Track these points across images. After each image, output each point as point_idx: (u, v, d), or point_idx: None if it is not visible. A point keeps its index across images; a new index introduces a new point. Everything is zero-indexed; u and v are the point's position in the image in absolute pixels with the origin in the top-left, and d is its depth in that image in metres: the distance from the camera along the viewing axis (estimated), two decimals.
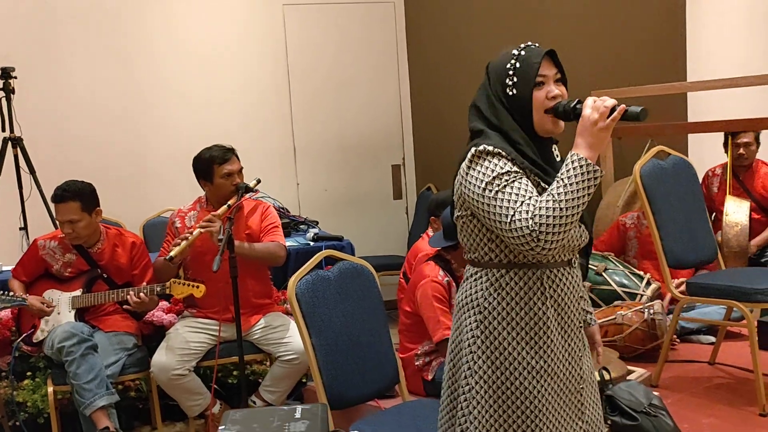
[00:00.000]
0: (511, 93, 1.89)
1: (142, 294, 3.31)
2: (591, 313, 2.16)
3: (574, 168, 1.75)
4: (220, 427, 1.67)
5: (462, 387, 1.96)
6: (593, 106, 1.78)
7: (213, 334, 3.50)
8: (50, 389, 3.33)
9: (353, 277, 2.74)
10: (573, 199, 1.73)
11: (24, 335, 3.47)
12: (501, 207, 1.78)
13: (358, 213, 5.88)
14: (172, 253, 3.24)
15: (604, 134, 1.78)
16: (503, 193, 1.78)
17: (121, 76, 5.20)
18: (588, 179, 1.74)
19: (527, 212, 1.74)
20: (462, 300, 1.98)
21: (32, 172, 4.16)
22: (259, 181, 3.40)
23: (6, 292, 3.24)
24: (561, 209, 1.72)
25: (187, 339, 3.42)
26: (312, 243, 4.34)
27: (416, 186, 6.10)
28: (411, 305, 3.33)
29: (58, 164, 4.53)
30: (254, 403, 3.60)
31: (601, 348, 2.14)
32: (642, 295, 3.98)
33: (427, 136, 5.97)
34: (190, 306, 3.62)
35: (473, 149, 1.86)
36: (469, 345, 1.92)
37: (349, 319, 2.65)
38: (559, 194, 1.73)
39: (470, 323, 1.93)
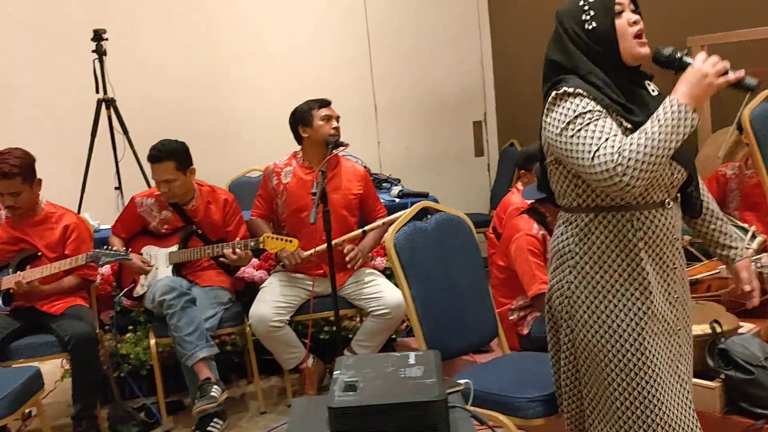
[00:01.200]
0: (590, 27, 1.86)
1: (238, 249, 3.35)
2: (735, 248, 2.08)
3: (672, 111, 1.73)
4: (335, 372, 1.66)
5: (562, 335, 1.98)
6: (708, 61, 1.76)
7: (305, 288, 3.53)
8: (152, 342, 3.44)
9: (450, 228, 2.70)
10: (664, 140, 1.71)
11: (125, 290, 3.58)
12: (583, 144, 1.76)
13: (439, 171, 5.82)
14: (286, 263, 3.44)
15: (710, 91, 1.76)
16: (585, 130, 1.77)
17: (204, 37, 5.24)
18: (683, 124, 1.73)
19: (612, 147, 1.73)
20: (556, 246, 1.99)
21: (125, 132, 4.25)
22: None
23: (109, 247, 3.34)
24: (651, 147, 1.71)
25: (282, 292, 3.46)
26: (397, 200, 4.32)
27: (498, 142, 5.99)
28: (504, 259, 3.27)
29: (147, 125, 4.60)
30: None
31: (748, 286, 2.05)
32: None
33: (509, 91, 5.84)
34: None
35: (553, 92, 1.86)
36: (564, 292, 1.94)
37: (447, 270, 2.62)
38: (652, 132, 1.72)
39: (562, 270, 1.95)
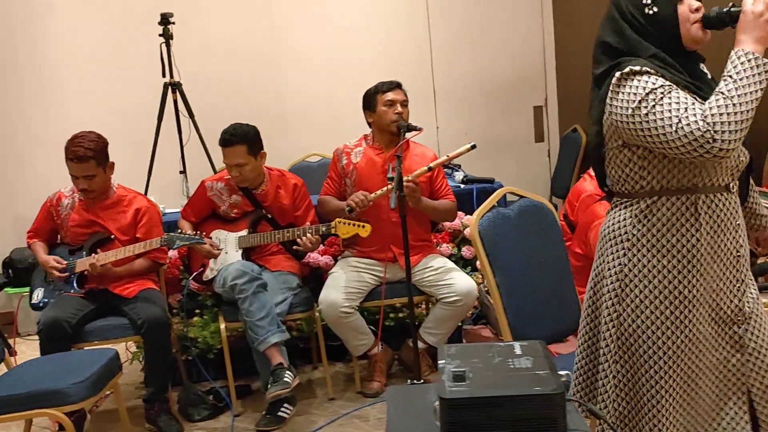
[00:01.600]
0: (651, 12, 1.83)
1: (309, 234, 3.33)
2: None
3: (741, 63, 1.67)
4: (440, 361, 1.62)
5: (605, 317, 1.94)
6: (756, 0, 1.71)
7: (375, 274, 3.49)
8: (222, 326, 3.44)
9: (533, 215, 2.63)
10: (745, 95, 1.66)
11: (194, 274, 3.58)
12: (662, 119, 1.71)
13: (497, 156, 5.70)
14: (353, 205, 3.25)
15: None
16: (660, 105, 1.72)
17: (266, 20, 5.23)
18: (759, 72, 1.67)
19: (695, 114, 1.67)
20: (606, 231, 1.95)
21: (191, 116, 4.25)
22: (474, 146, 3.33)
23: (182, 232, 3.34)
24: (734, 105, 1.65)
25: (352, 278, 3.43)
26: (462, 185, 4.24)
27: (559, 128, 5.86)
28: (582, 247, 3.18)
29: (212, 108, 4.62)
30: None
31: None
32: None
33: (571, 75, 5.70)
34: (349, 246, 3.63)
35: (617, 74, 1.80)
36: (615, 274, 1.90)
37: (530, 258, 2.55)
38: (729, 91, 1.67)
39: (615, 252, 1.91)
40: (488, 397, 1.44)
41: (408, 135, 3.33)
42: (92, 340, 3.27)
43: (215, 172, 4.40)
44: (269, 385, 3.09)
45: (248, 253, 3.52)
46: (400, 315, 3.73)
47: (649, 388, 1.85)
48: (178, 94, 4.24)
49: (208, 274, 3.54)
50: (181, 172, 4.35)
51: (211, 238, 3.51)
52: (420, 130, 3.28)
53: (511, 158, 5.76)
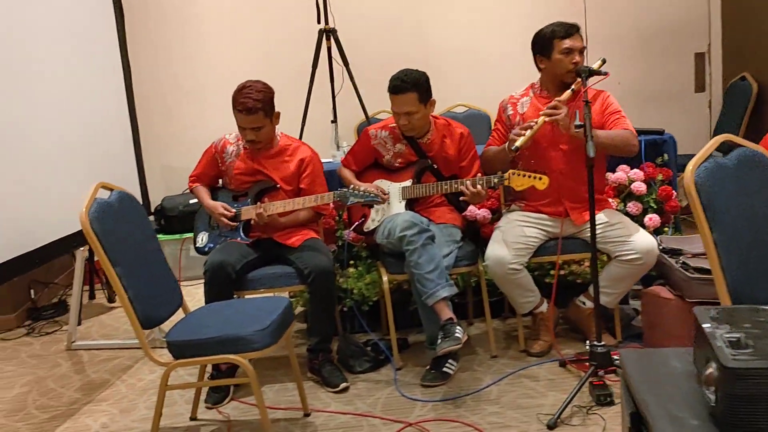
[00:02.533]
0: None
1: (479, 185, 3.17)
2: None
3: None
4: (703, 325, 1.43)
5: None
6: None
7: (545, 229, 3.31)
8: (385, 278, 3.35)
9: (752, 167, 2.35)
10: None
11: (355, 224, 3.51)
12: None
13: (653, 107, 5.35)
14: (517, 143, 3.05)
15: None
16: None
17: None
18: None
19: None
20: None
21: (345, 63, 4.15)
22: (604, 61, 3.08)
23: (353, 187, 3.19)
24: None
25: (521, 233, 3.26)
26: None
27: (722, 76, 5.40)
28: None
29: (364, 56, 4.51)
30: (583, 303, 3.41)
31: None
32: None
33: (739, 19, 5.21)
34: (515, 199, 3.46)
35: None
36: None
37: (753, 212, 2.28)
38: None
39: None
40: None
41: (589, 82, 3.07)
42: (258, 288, 3.26)
43: (368, 121, 4.30)
44: (439, 340, 2.99)
45: (411, 205, 3.40)
46: (561, 272, 3.56)
47: None
48: (332, 40, 4.13)
49: (369, 225, 3.46)
50: (332, 122, 4.28)
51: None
52: (606, 74, 3.02)
53: (666, 109, 5.38)
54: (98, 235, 2.49)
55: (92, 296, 4.97)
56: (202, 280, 3.15)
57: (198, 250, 3.45)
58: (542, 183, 3.08)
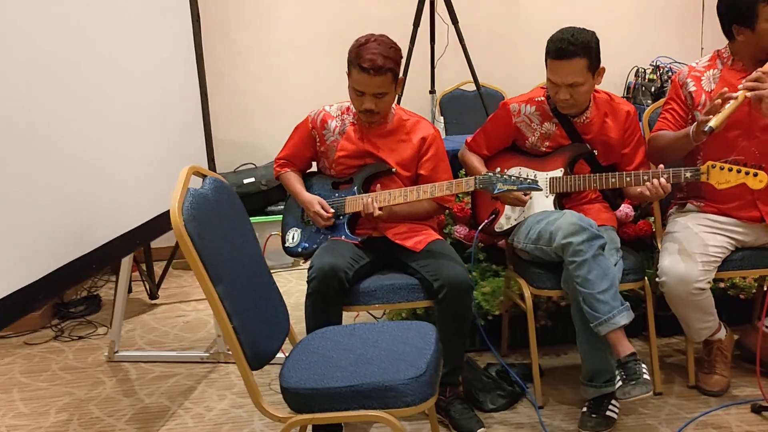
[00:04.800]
0: None
1: (663, 179, 2.45)
2: None
3: None
4: None
5: None
6: None
7: (734, 237, 2.61)
8: (527, 293, 2.65)
9: None
10: None
11: (484, 222, 2.79)
12: None
13: None
14: (711, 123, 2.34)
15: None
16: None
17: None
18: None
19: None
20: None
21: (455, 22, 3.40)
22: None
23: (499, 173, 2.44)
24: None
25: (706, 242, 2.55)
26: None
27: None
28: None
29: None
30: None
31: None
32: None
33: None
34: (690, 197, 2.75)
35: None
36: None
37: None
38: None
39: None
40: None
41: None
42: (371, 303, 2.55)
43: (479, 91, 3.56)
44: (620, 382, 2.29)
45: (560, 200, 2.69)
46: (720, 285, 2.92)
47: None
48: None
49: (503, 224, 2.75)
50: (430, 92, 3.54)
51: None
52: None
53: None
54: (194, 240, 1.78)
55: (129, 289, 4.25)
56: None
57: (288, 250, 2.74)
58: (758, 181, 2.36)
